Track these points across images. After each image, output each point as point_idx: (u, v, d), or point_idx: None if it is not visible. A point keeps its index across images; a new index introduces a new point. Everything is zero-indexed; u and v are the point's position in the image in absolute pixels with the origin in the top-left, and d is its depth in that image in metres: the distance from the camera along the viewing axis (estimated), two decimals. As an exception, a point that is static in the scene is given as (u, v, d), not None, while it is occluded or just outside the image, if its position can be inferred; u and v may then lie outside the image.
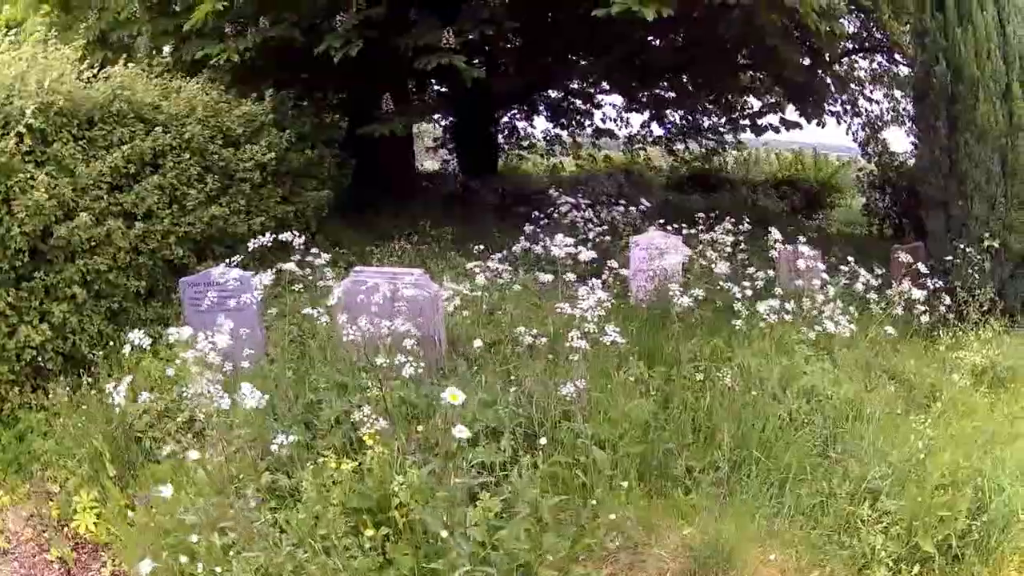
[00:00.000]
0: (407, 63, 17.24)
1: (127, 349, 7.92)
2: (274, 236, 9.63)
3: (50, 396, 10.72)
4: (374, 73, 17.97)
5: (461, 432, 6.01)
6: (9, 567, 9.01)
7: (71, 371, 11.19)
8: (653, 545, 7.56)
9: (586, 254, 10.40)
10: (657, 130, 29.19)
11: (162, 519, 7.47)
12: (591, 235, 13.57)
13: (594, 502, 7.55)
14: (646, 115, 28.56)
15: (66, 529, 9.34)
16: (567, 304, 9.15)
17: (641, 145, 30.11)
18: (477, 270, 11.16)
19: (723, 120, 28.40)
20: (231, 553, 6.60)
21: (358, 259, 14.61)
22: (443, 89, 22.18)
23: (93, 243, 11.63)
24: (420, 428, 7.68)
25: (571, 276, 10.13)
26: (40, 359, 11.01)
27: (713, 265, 11.77)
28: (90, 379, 10.67)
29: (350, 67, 16.85)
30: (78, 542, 9.23)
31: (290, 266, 9.88)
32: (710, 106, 27.74)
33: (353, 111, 18.90)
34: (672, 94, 26.81)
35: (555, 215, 16.38)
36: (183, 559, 6.76)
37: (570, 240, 10.48)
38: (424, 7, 16.82)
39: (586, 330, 8.53)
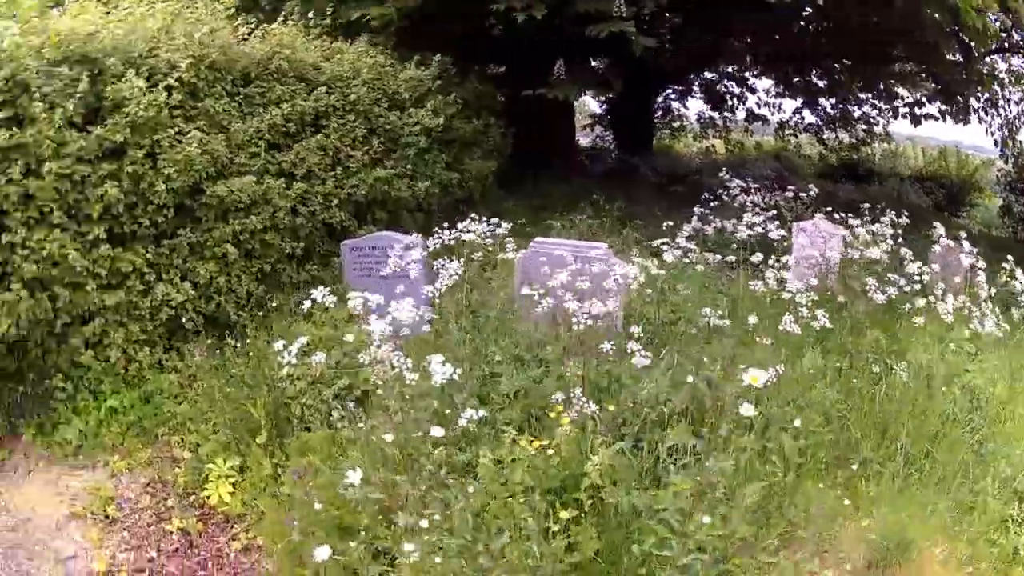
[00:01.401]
0: (575, 33, 15.59)
1: (307, 304, 7.27)
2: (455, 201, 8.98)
3: (185, 358, 9.75)
4: (537, 43, 16.72)
5: (748, 410, 5.67)
6: (117, 537, 8.12)
7: (211, 333, 10.11)
8: (835, 534, 6.92)
9: (775, 233, 9.98)
10: (809, 117, 27.41)
11: (318, 493, 6.60)
12: (758, 219, 12.23)
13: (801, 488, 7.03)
14: (798, 101, 26.86)
15: (192, 498, 8.45)
16: (760, 283, 8.89)
17: (792, 132, 28.14)
18: (665, 247, 10.36)
19: (875, 111, 26.57)
20: (408, 533, 5.66)
21: (522, 230, 13.11)
22: (601, 65, 20.44)
23: (249, 202, 10.41)
24: (612, 407, 6.93)
25: (759, 256, 9.61)
26: (181, 319, 9.86)
27: (905, 262, 10.60)
28: (235, 341, 9.66)
29: (513, 36, 15.76)
30: (205, 512, 8.29)
31: (470, 237, 8.88)
32: (861, 95, 25.86)
33: (512, 82, 17.42)
34: (823, 82, 25.11)
35: (724, 197, 15.48)
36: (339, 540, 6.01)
37: (758, 220, 9.59)
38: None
39: (800, 314, 8.15)
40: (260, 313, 10.46)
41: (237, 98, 11.01)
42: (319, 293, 7.01)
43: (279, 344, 6.77)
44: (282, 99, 11.44)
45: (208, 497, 8.15)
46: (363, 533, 5.94)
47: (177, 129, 9.83)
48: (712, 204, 14.81)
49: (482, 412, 6.45)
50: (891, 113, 25.57)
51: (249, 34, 11.72)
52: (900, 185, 26.36)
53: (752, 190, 16.13)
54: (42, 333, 8.84)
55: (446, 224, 8.98)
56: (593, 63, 20.00)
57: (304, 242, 11.29)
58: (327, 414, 7.92)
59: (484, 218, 9.21)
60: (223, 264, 10.24)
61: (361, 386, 8.07)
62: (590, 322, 7.60)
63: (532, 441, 6.61)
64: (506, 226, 9.14)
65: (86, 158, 8.98)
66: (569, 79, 16.30)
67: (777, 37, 20.46)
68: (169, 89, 9.71)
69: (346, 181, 11.87)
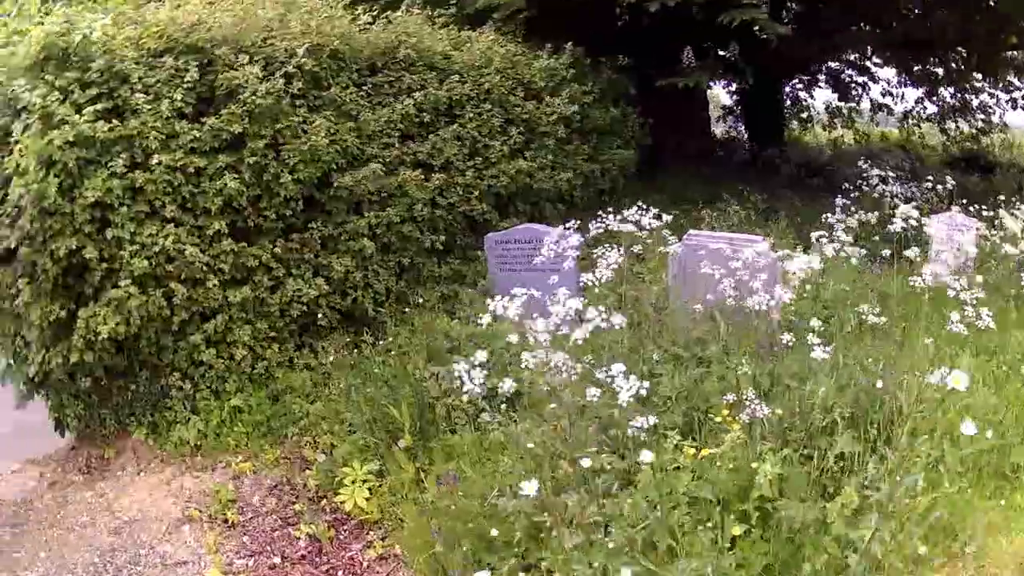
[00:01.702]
0: (703, 21, 14.20)
1: (486, 319, 5.55)
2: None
3: (319, 355, 8.81)
4: (664, 32, 15.67)
5: (969, 428, 4.69)
6: (236, 542, 7.08)
7: (347, 329, 9.21)
8: (989, 548, 5.84)
9: (930, 228, 9.42)
10: (930, 107, 25.63)
11: (467, 504, 5.82)
12: (913, 212, 10.79)
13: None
14: (920, 91, 25.23)
15: (323, 502, 7.37)
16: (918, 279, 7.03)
17: (915, 122, 26.49)
18: (824, 240, 9.27)
19: (993, 100, 24.99)
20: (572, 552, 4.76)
21: (675, 223, 11.87)
22: (732, 54, 19.01)
23: (384, 194, 9.54)
24: (779, 411, 5.87)
25: (914, 252, 8.05)
26: (315, 315, 8.93)
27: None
28: (372, 338, 8.96)
29: (639, 26, 15.12)
30: (337, 518, 7.16)
31: (628, 227, 7.37)
32: (978, 83, 24.33)
33: (641, 72, 16.26)
34: (941, 70, 23.61)
35: (864, 188, 14.14)
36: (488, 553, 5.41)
37: (914, 214, 8.43)
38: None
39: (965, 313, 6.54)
40: (400, 308, 9.55)
41: (364, 87, 9.96)
42: (497, 304, 5.46)
43: (461, 366, 5.48)
44: (412, 88, 10.38)
45: (342, 503, 7.04)
46: (517, 548, 5.20)
47: (301, 119, 8.88)
48: (852, 195, 13.67)
49: (652, 419, 5.18)
50: (1010, 104, 24.34)
51: (371, 23, 10.71)
52: (1020, 176, 24.21)
53: (890, 181, 14.90)
54: (156, 330, 8.05)
55: (609, 210, 7.60)
56: (721, 52, 18.72)
57: (444, 235, 10.32)
58: (474, 416, 6.97)
59: (645, 206, 7.78)
60: (359, 258, 9.29)
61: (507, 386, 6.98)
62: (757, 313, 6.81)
63: (697, 448, 5.73)
64: (667, 217, 7.79)
65: (201, 150, 8.14)
66: (698, 67, 15.46)
67: (894, 24, 19.14)
68: (288, 77, 8.80)
69: (486, 172, 10.88)
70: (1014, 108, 23.87)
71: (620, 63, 15.69)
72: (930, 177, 15.28)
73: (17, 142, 7.51)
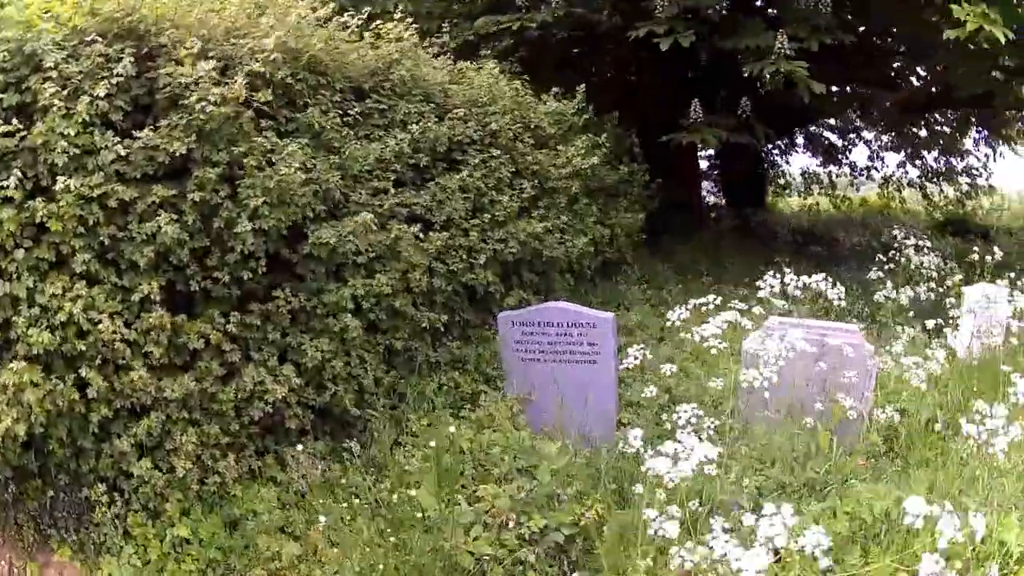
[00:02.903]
0: (712, 73, 13.90)
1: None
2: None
3: (288, 468, 6.40)
4: (668, 84, 14.52)
5: None
6: None
7: (322, 430, 6.85)
8: None
9: None
10: (912, 171, 24.82)
11: None
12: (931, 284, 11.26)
13: None
14: (901, 155, 24.48)
15: None
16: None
17: (896, 187, 25.42)
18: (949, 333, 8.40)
19: (979, 163, 24.27)
20: None
21: (681, 297, 9.94)
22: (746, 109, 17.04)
23: (371, 255, 7.04)
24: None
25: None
26: (282, 414, 6.41)
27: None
28: (358, 445, 6.46)
29: (642, 72, 14.53)
30: None
31: (733, 315, 5.98)
32: (964, 146, 23.98)
33: (640, 126, 14.55)
34: (925, 132, 23.31)
35: (898, 259, 12.66)
36: None
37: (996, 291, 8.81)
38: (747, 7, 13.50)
39: None
40: (389, 404, 7.16)
41: (352, 112, 7.74)
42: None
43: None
44: (407, 121, 8.21)
45: None
46: None
47: (268, 146, 6.46)
48: (887, 267, 12.10)
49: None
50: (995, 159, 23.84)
51: (359, 37, 8.60)
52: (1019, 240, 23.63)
53: (925, 251, 13.14)
54: (72, 427, 5.61)
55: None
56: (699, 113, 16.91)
57: (444, 311, 7.95)
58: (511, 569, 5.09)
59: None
60: (339, 341, 6.78)
61: (565, 529, 5.26)
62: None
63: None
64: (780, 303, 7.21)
65: (129, 176, 5.78)
66: (705, 123, 13.45)
67: (904, 84, 18.57)
68: (252, 82, 6.39)
69: (491, 233, 8.68)
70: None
71: (619, 116, 13.80)
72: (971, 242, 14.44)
73: None
